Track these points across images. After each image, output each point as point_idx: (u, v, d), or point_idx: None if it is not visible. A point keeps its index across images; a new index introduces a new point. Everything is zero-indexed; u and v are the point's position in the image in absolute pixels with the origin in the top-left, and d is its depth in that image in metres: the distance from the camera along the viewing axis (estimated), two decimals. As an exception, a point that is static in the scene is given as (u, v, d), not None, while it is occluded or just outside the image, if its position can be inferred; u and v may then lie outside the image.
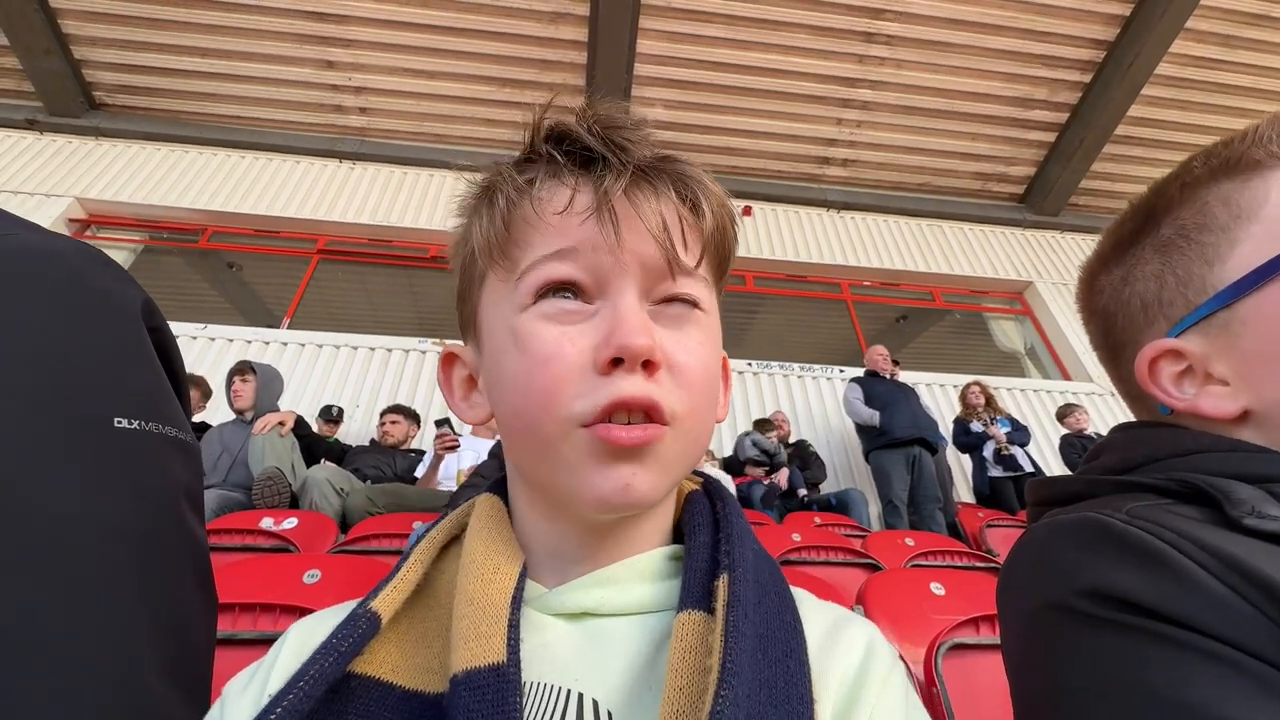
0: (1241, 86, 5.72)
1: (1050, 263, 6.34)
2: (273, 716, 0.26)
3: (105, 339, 0.38)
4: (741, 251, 5.89)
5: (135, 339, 0.39)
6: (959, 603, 1.27)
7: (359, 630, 0.30)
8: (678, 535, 0.39)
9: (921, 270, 6.04)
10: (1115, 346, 0.47)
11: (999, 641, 1.12)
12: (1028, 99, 5.75)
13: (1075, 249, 6.50)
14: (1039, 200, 6.39)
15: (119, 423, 0.36)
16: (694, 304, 0.36)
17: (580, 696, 0.30)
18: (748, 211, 6.09)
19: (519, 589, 0.32)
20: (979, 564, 2.04)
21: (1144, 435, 0.43)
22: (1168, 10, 4.97)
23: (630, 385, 0.31)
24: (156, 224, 5.34)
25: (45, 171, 5.18)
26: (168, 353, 0.43)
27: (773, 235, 6.02)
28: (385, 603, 0.31)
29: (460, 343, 0.43)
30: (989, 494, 4.15)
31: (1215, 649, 0.27)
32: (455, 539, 0.38)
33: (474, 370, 0.40)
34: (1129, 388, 0.47)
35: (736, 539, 0.35)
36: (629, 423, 0.32)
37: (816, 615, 0.36)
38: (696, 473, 0.43)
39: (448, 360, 0.41)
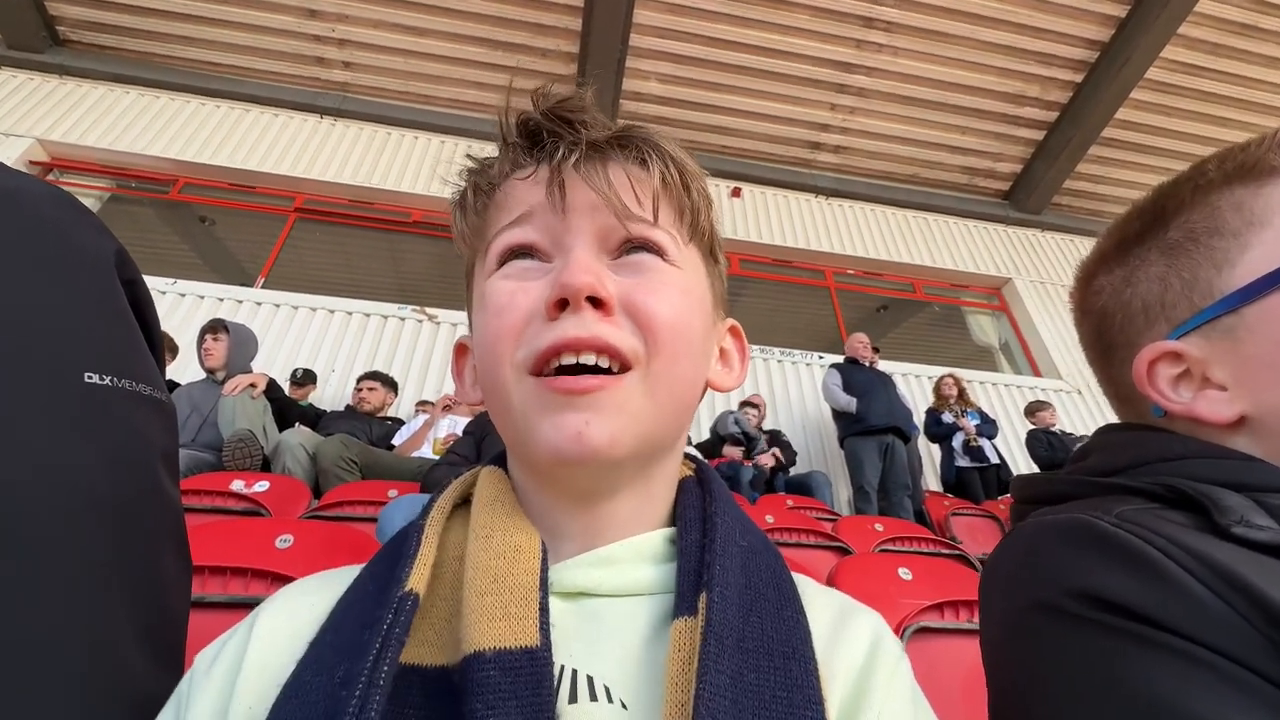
0: (1224, 96, 5.82)
1: (1029, 261, 6.44)
2: (371, 716, 0.25)
3: (74, 289, 0.35)
4: (729, 234, 5.88)
5: (108, 291, 0.37)
6: (925, 588, 1.30)
7: (406, 613, 0.29)
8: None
9: (905, 261, 6.10)
10: (1110, 347, 0.47)
11: (963, 627, 1.16)
12: (1020, 95, 5.77)
13: (1054, 249, 6.62)
14: (1023, 198, 6.47)
15: (89, 378, 0.34)
16: (657, 253, 0.36)
17: (574, 673, 0.30)
18: (736, 193, 6.05)
19: (544, 569, 0.32)
20: (944, 551, 2.10)
21: (1132, 438, 0.43)
22: (1163, 14, 5.00)
23: (575, 324, 0.32)
24: (124, 171, 5.10)
25: (4, 109, 4.90)
26: (142, 308, 0.41)
27: (760, 218, 6.00)
28: (419, 581, 0.31)
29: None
30: (955, 483, 4.27)
31: (1200, 654, 0.27)
32: (457, 509, 0.38)
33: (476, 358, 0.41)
34: (1118, 389, 0.47)
35: (720, 545, 0.33)
36: (578, 368, 0.32)
37: (821, 601, 0.36)
38: (690, 458, 0.42)
39: (460, 352, 0.43)
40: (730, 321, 0.44)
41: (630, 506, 0.36)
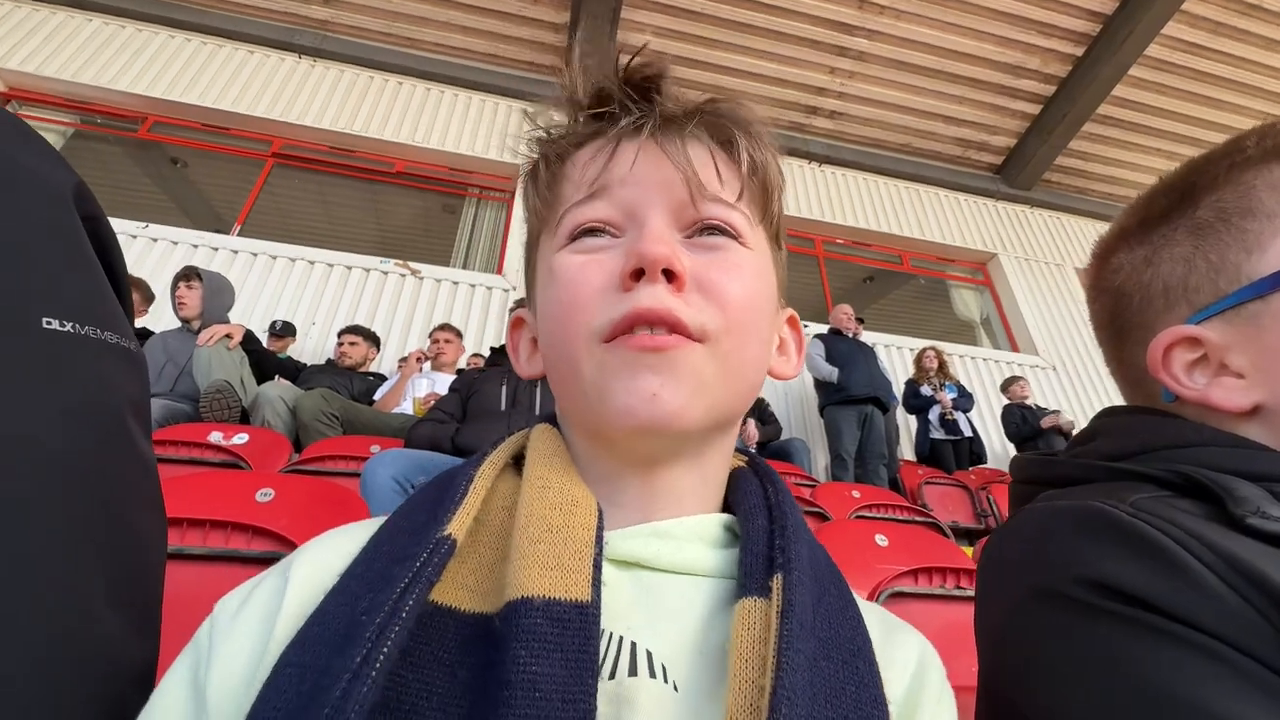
0: (1220, 77, 5.79)
1: (1015, 237, 6.47)
2: (381, 654, 0.24)
3: (27, 225, 0.32)
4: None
5: (66, 228, 0.34)
6: (901, 554, 1.34)
7: (441, 555, 0.28)
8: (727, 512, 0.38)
9: (893, 233, 6.08)
10: (1124, 328, 0.46)
11: (936, 592, 1.20)
12: (1019, 66, 5.68)
13: (1041, 225, 6.65)
14: (1014, 173, 6.45)
15: (48, 324, 0.31)
16: (731, 234, 0.36)
17: (634, 645, 0.29)
18: (730, 156, 5.93)
19: (599, 527, 0.31)
20: (918, 518, 2.16)
21: (1143, 423, 0.42)
22: (1167, -12, 4.91)
23: (649, 296, 0.32)
24: (89, 106, 4.82)
25: (-46, 33, 4.57)
26: (106, 248, 0.38)
27: (752, 183, 5.90)
28: (460, 527, 0.30)
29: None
30: (929, 454, 4.39)
31: (1214, 647, 0.27)
32: (506, 466, 0.37)
33: (535, 332, 0.41)
34: (1129, 371, 0.47)
35: (792, 532, 0.33)
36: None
37: (869, 614, 0.34)
38: (743, 451, 0.42)
39: (516, 324, 0.43)
40: (789, 311, 0.43)
41: (688, 481, 0.36)
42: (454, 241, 5.23)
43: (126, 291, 0.41)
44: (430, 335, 3.53)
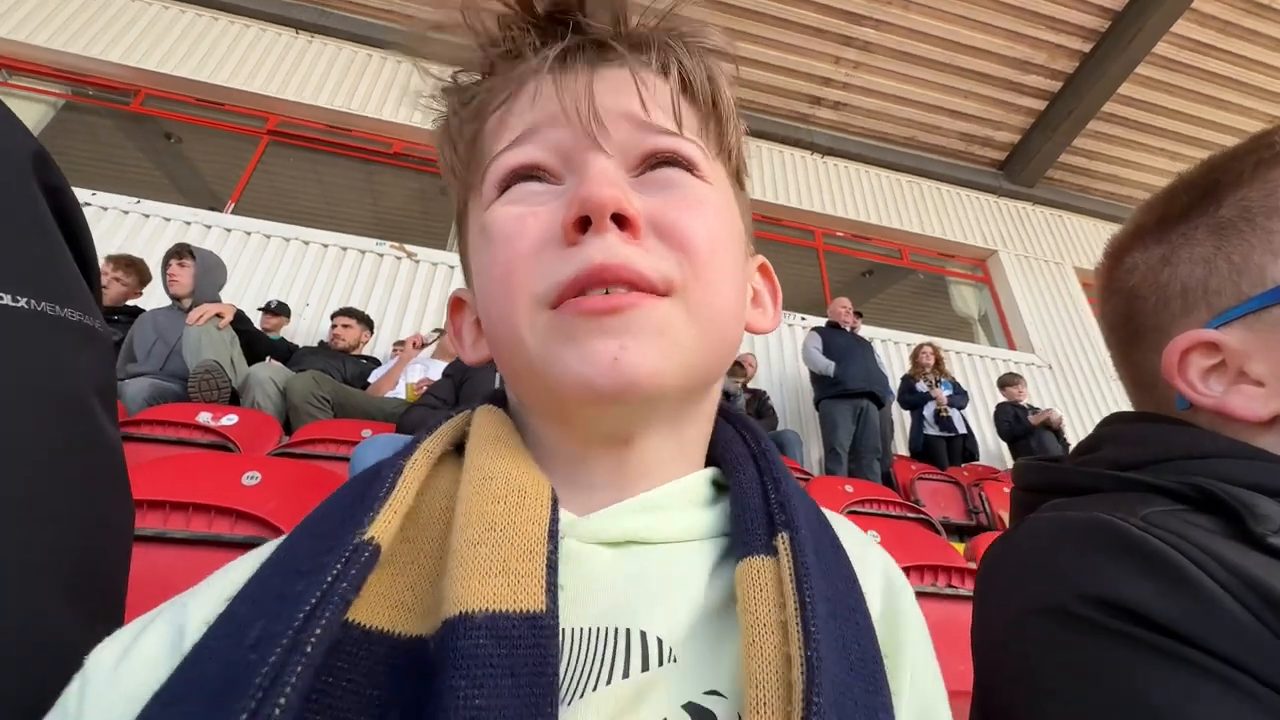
0: (1228, 78, 5.75)
1: (1016, 234, 6.45)
2: (276, 707, 0.18)
3: None
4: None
5: (21, 196, 0.32)
6: (894, 550, 1.32)
7: (360, 566, 0.23)
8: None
9: (894, 227, 6.05)
10: (1138, 330, 0.44)
11: (928, 590, 1.19)
12: (1027, 62, 5.63)
13: (1042, 223, 6.63)
14: (1017, 170, 6.42)
15: None
16: (687, 167, 0.31)
17: (641, 634, 0.26)
18: (732, 145, 5.88)
19: (554, 520, 0.26)
20: (910, 514, 2.16)
21: (1153, 431, 0.40)
22: (1179, -15, 4.86)
23: (600, 249, 0.27)
24: (81, 77, 4.73)
25: (-58, -3, 4.47)
26: (69, 221, 0.35)
27: (753, 173, 5.85)
28: (384, 529, 0.24)
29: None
30: (922, 450, 4.40)
31: (1228, 674, 0.26)
32: (445, 455, 0.32)
33: (475, 312, 0.36)
34: (1139, 375, 0.45)
35: (785, 484, 0.30)
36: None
37: (849, 539, 0.32)
38: None
39: (455, 306, 0.38)
40: (760, 259, 0.39)
41: (665, 451, 0.32)
42: (450, 224, 5.16)
43: (94, 267, 0.38)
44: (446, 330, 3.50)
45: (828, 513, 0.34)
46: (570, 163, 0.30)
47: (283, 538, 0.28)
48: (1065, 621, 0.31)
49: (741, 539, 0.28)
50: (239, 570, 0.27)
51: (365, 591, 0.23)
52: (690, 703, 0.24)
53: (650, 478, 0.31)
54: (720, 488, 0.33)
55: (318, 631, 0.20)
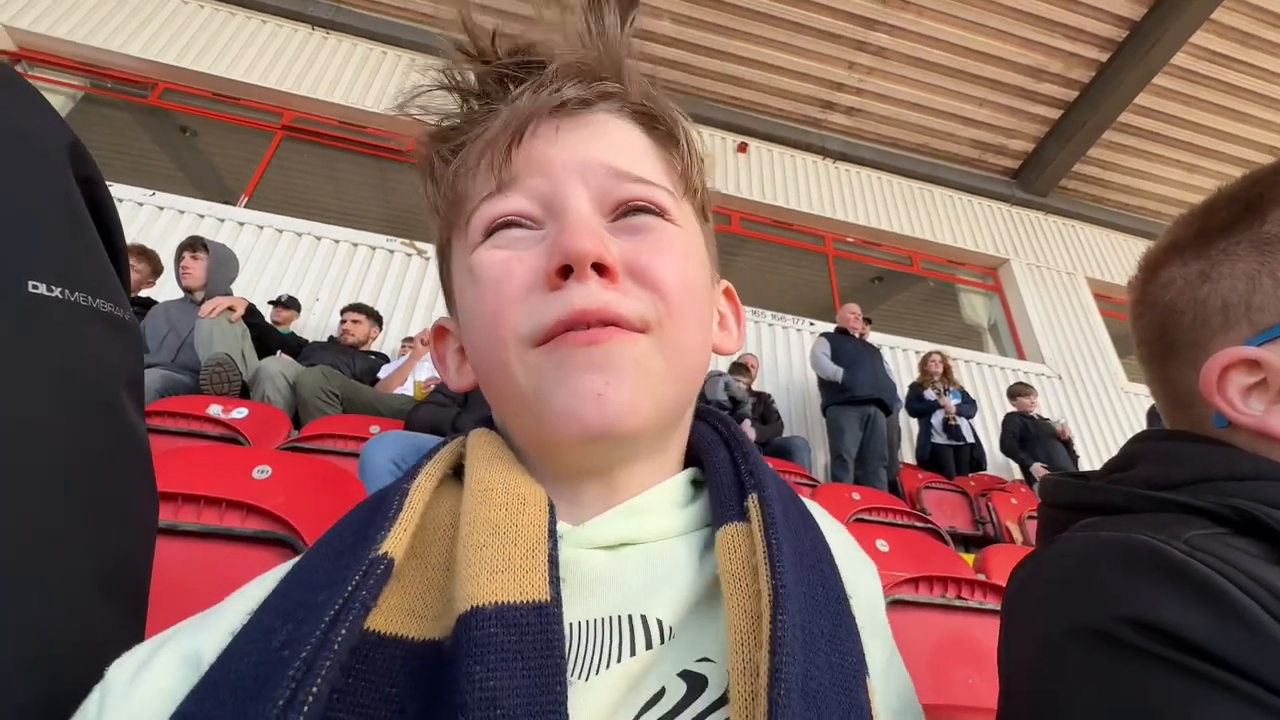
0: (1247, 90, 5.69)
1: (1028, 243, 6.41)
2: (310, 694, 0.20)
3: (16, 181, 0.30)
4: (731, 190, 5.73)
5: (58, 188, 0.32)
6: (902, 560, 1.32)
7: (377, 577, 0.25)
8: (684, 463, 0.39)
9: (904, 233, 6.02)
10: (1173, 346, 0.43)
11: (936, 601, 1.18)
12: (1042, 70, 5.59)
13: (1055, 233, 6.58)
14: (1031, 179, 6.38)
15: (34, 287, 0.29)
16: (658, 212, 0.34)
17: (642, 618, 0.28)
18: (743, 149, 5.87)
19: (552, 520, 0.29)
20: (918, 524, 2.14)
21: (1191, 450, 0.40)
22: (1199, -5, 4.81)
23: (581, 295, 0.29)
24: (100, 70, 4.77)
25: (-34, -11, 4.52)
26: (102, 212, 0.35)
27: (764, 177, 5.85)
28: (396, 545, 0.27)
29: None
30: (929, 458, 4.37)
31: (1273, 702, 0.25)
32: (445, 479, 0.34)
33: (460, 339, 0.39)
34: (1175, 392, 0.44)
35: (753, 457, 0.34)
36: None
37: (832, 534, 0.36)
38: None
39: (439, 334, 0.41)
40: (724, 283, 0.43)
41: (646, 472, 0.35)
42: (462, 223, 5.18)
43: (123, 258, 0.38)
44: None
45: (827, 522, 0.39)
46: (550, 209, 0.32)
47: (295, 560, 0.30)
48: (1105, 644, 0.30)
49: (718, 511, 0.32)
50: (256, 589, 0.29)
51: (380, 602, 0.26)
52: (685, 670, 0.27)
53: (635, 489, 0.34)
54: (698, 484, 0.36)
55: (343, 633, 0.22)
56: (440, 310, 4.31)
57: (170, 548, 0.84)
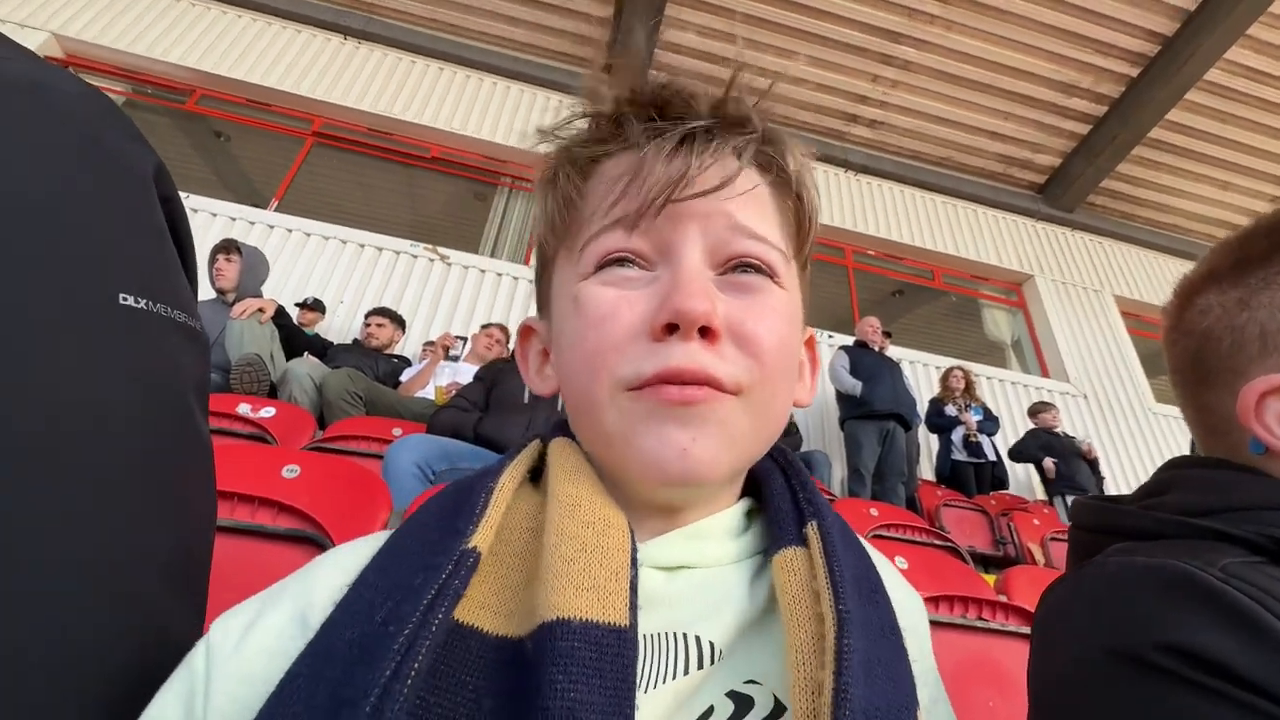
0: (1284, 106, 5.58)
1: (1054, 259, 6.31)
2: (412, 670, 0.23)
3: (110, 201, 0.33)
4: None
5: (146, 207, 0.34)
6: (921, 579, 1.31)
7: (466, 569, 0.27)
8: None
9: (926, 247, 5.97)
10: (1210, 372, 0.43)
11: (957, 622, 1.17)
12: (1071, 85, 5.53)
13: (1081, 249, 6.47)
14: (1057, 194, 6.29)
15: (124, 299, 0.31)
16: (768, 273, 0.34)
17: (695, 638, 0.30)
18: (765, 160, 5.87)
19: (634, 549, 0.30)
20: (937, 542, 2.11)
21: (1227, 479, 0.40)
22: (1234, 10, 4.72)
23: (682, 354, 0.30)
24: (141, 76, 4.95)
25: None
26: (178, 229, 0.38)
27: (786, 189, 5.83)
28: (483, 540, 0.29)
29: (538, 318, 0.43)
30: (949, 476, 4.30)
31: None
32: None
33: (546, 344, 0.40)
34: (1209, 418, 0.44)
35: (810, 485, 0.35)
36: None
37: (875, 557, 0.37)
38: None
39: (525, 334, 0.42)
40: (809, 332, 0.42)
41: (708, 503, 0.36)
42: (483, 229, 5.26)
43: (194, 271, 0.41)
44: (484, 329, 3.55)
45: (873, 552, 0.39)
46: (664, 253, 0.33)
47: (387, 535, 0.33)
48: (1141, 670, 0.31)
49: (776, 536, 0.33)
50: (349, 559, 0.31)
51: (467, 593, 0.28)
52: (732, 691, 0.29)
53: (694, 517, 0.35)
54: (752, 513, 0.37)
55: (440, 617, 0.25)
56: (460, 317, 4.40)
57: (208, 544, 0.87)
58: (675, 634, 0.30)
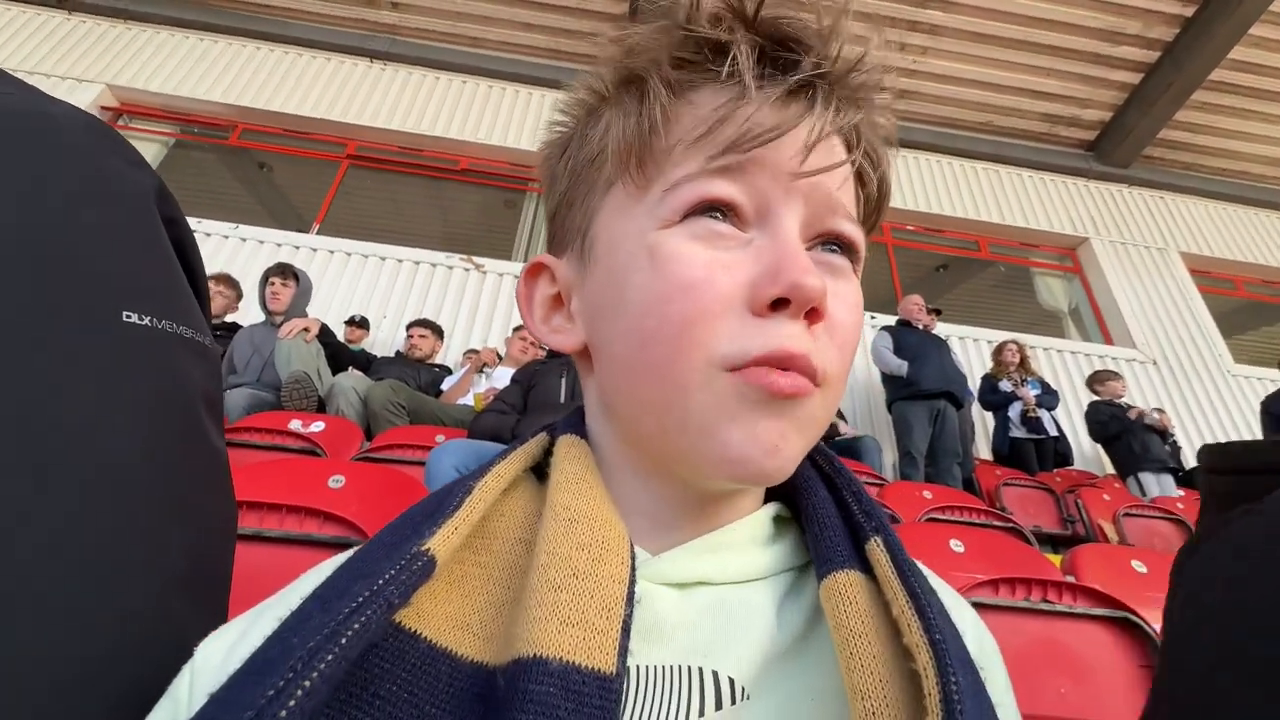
0: (1365, 31, 5.09)
1: (1111, 219, 5.95)
2: (300, 688, 0.19)
3: (112, 221, 0.34)
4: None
5: (147, 227, 0.35)
6: (979, 561, 1.25)
7: (411, 574, 0.23)
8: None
9: (970, 217, 5.73)
10: None
11: (1018, 605, 1.11)
12: (1117, 32, 5.19)
13: (1140, 205, 6.08)
14: (1110, 149, 5.92)
15: (127, 316, 0.32)
16: (854, 260, 0.31)
17: (713, 674, 0.26)
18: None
19: (632, 580, 0.26)
20: (996, 523, 2.02)
21: None
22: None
23: (793, 334, 0.26)
24: (187, 117, 5.25)
25: (75, 55, 5.07)
26: (185, 248, 0.39)
27: (816, 169, 5.70)
28: (442, 543, 0.25)
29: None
30: (1008, 454, 4.11)
31: None
32: (519, 479, 0.33)
33: (566, 288, 0.34)
34: None
35: (864, 495, 0.31)
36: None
37: (939, 586, 0.32)
38: None
39: (534, 271, 0.35)
40: None
41: (745, 504, 0.33)
42: (515, 236, 5.35)
43: (204, 288, 0.42)
44: (517, 331, 3.60)
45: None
46: (763, 214, 0.28)
47: (363, 544, 0.29)
48: None
49: (822, 558, 0.28)
50: (329, 568, 0.28)
51: (435, 607, 0.25)
52: None
53: (723, 517, 0.32)
54: (780, 521, 0.33)
55: (355, 626, 0.21)
56: (498, 323, 4.48)
57: (257, 553, 0.91)
58: (690, 667, 0.26)
